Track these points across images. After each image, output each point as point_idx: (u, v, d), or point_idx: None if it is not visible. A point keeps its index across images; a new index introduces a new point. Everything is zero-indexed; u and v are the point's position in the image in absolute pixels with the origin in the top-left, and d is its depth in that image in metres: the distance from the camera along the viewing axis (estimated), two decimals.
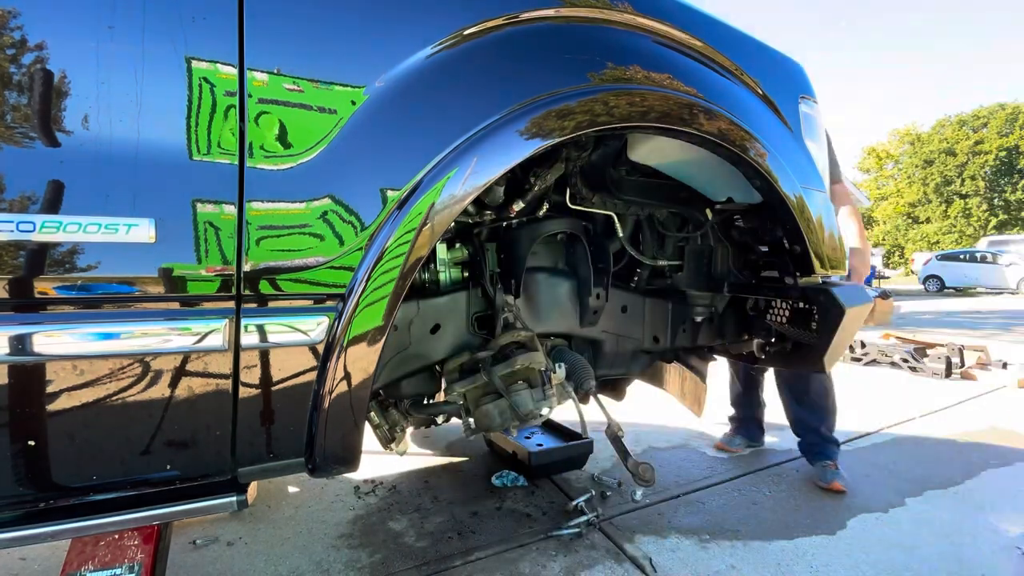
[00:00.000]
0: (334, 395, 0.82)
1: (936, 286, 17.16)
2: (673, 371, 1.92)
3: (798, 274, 1.46)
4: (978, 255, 16.82)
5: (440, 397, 1.48)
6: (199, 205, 0.72)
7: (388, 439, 1.45)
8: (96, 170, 0.68)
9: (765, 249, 1.61)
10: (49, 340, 0.67)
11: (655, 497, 1.87)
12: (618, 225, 1.57)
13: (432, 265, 1.37)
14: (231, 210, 0.74)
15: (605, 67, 1.02)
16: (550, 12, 0.99)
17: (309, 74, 0.79)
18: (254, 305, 0.77)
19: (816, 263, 1.40)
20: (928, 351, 4.35)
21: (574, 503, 1.74)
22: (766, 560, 1.51)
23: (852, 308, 1.38)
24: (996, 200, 32.71)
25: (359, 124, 0.81)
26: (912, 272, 21.57)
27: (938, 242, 33.76)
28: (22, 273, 0.66)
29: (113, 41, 0.69)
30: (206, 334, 0.74)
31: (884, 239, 37.67)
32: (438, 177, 0.84)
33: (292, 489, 2.02)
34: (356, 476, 2.09)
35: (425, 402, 1.54)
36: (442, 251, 1.37)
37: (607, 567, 1.44)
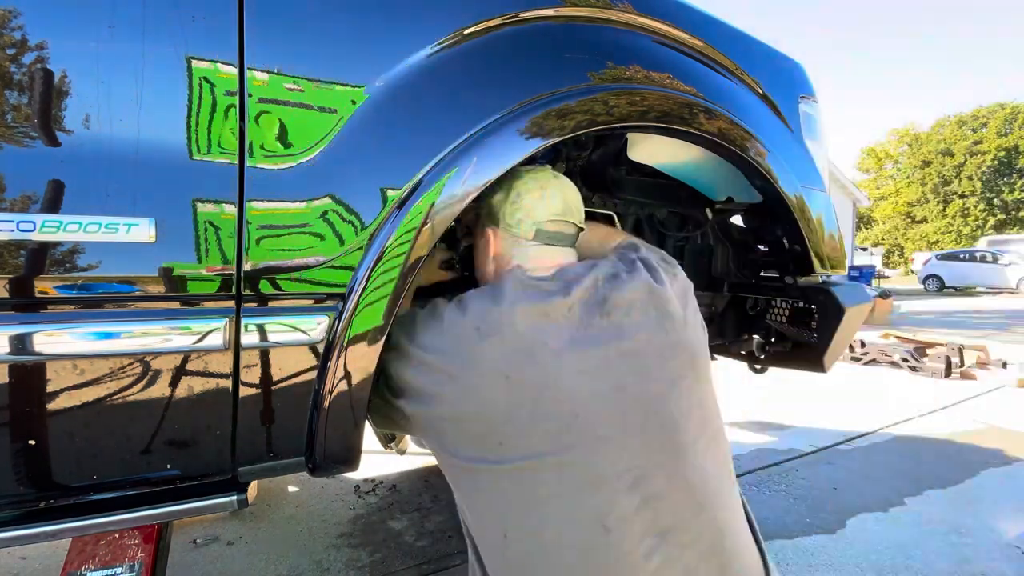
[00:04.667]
0: (334, 394, 0.82)
1: (936, 286, 17.16)
2: None
3: (798, 273, 1.46)
4: (978, 255, 16.82)
5: None
6: (199, 205, 0.72)
7: (388, 438, 1.45)
8: (96, 170, 0.68)
9: (765, 248, 1.61)
10: (49, 339, 0.67)
11: None
12: (618, 224, 1.56)
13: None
14: (231, 210, 0.74)
15: (605, 66, 1.02)
16: (550, 11, 0.99)
17: (309, 73, 0.79)
18: (254, 305, 0.77)
19: (816, 262, 1.40)
20: (928, 351, 4.36)
21: None
22: None
23: (852, 308, 1.38)
24: (995, 200, 32.72)
25: (359, 123, 0.81)
26: (912, 272, 21.57)
27: (937, 242, 33.80)
28: (22, 273, 0.66)
29: (113, 41, 0.69)
30: (206, 334, 0.74)
31: (883, 239, 37.69)
32: (438, 176, 0.84)
33: (292, 488, 2.02)
34: (356, 475, 2.10)
35: None
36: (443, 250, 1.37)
37: None
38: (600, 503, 0.73)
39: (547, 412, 0.75)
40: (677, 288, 0.89)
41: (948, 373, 4.05)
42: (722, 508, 0.78)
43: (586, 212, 1.43)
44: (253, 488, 1.90)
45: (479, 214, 1.02)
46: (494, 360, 0.77)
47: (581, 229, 0.99)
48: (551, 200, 0.94)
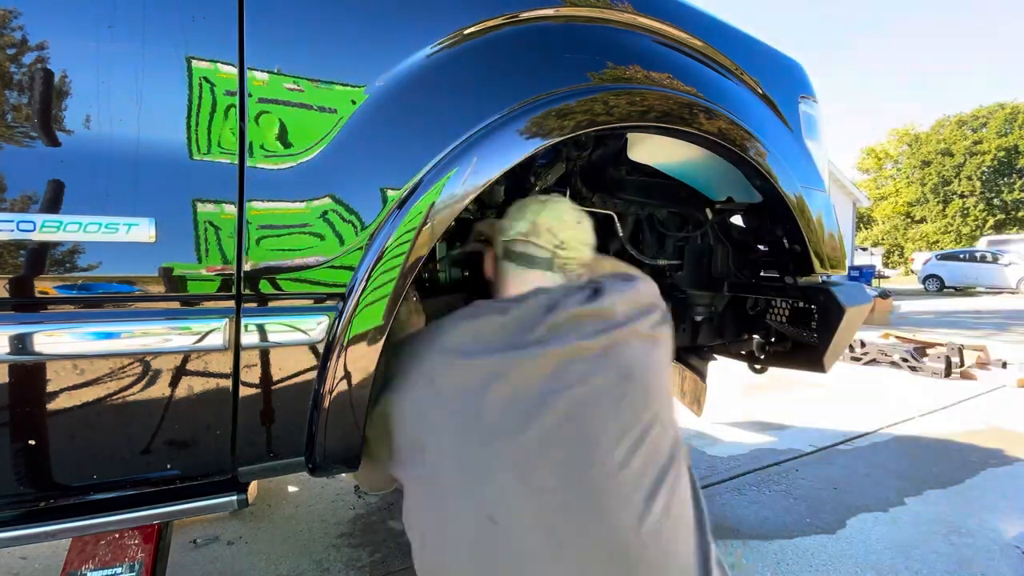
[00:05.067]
0: (334, 394, 0.82)
1: (936, 286, 17.16)
2: (673, 370, 1.92)
3: (798, 273, 1.46)
4: (978, 255, 16.81)
5: None
6: (199, 205, 0.72)
7: None
8: (96, 170, 0.68)
9: (765, 248, 1.61)
10: (49, 339, 0.67)
11: None
12: (618, 224, 1.56)
13: (432, 264, 1.37)
14: (231, 210, 0.74)
15: (605, 66, 1.02)
16: (550, 11, 0.99)
17: (309, 73, 0.79)
18: (254, 304, 0.77)
19: (816, 262, 1.40)
20: (928, 350, 4.35)
21: None
22: (766, 559, 1.51)
23: (852, 308, 1.38)
24: (995, 200, 32.71)
25: (359, 123, 0.81)
26: (912, 272, 21.57)
27: (937, 242, 33.80)
28: (22, 272, 0.66)
29: (113, 41, 0.69)
30: (206, 333, 0.74)
31: (883, 239, 37.69)
32: (438, 176, 0.84)
33: (292, 488, 2.02)
34: None
35: None
36: (442, 250, 1.37)
37: None
38: (489, 494, 0.76)
39: (455, 410, 0.80)
40: (627, 307, 0.91)
41: (948, 373, 4.05)
42: (629, 515, 0.75)
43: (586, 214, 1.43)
44: (253, 488, 1.90)
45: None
46: (429, 365, 0.85)
47: (557, 257, 0.99)
48: (518, 220, 1.00)
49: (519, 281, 0.98)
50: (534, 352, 0.81)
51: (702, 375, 1.81)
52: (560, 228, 1.00)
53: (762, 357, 1.70)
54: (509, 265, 0.99)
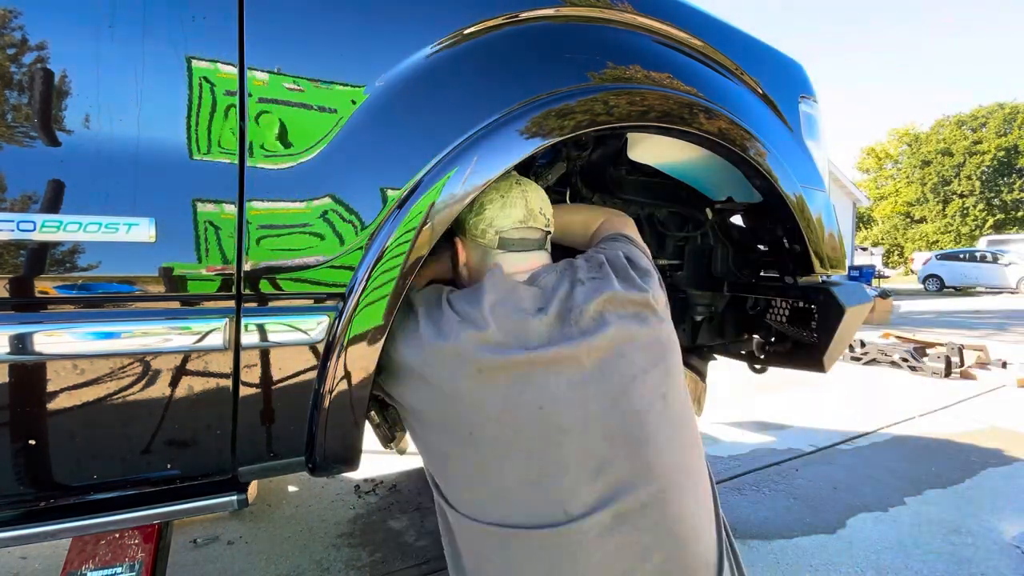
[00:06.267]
0: (334, 394, 0.82)
1: (936, 285, 17.16)
2: None
3: (798, 273, 1.46)
4: (978, 254, 16.82)
5: None
6: (199, 204, 0.72)
7: (388, 438, 1.45)
8: (96, 169, 0.68)
9: (765, 248, 1.61)
10: (49, 339, 0.67)
11: None
12: None
13: None
14: (231, 209, 0.74)
15: (605, 66, 1.02)
16: (550, 11, 0.99)
17: (309, 73, 0.79)
18: (254, 304, 0.77)
19: (816, 262, 1.40)
20: (928, 350, 4.35)
21: None
22: (766, 559, 1.51)
23: (852, 307, 1.38)
24: (994, 200, 32.71)
25: (359, 123, 0.81)
26: (912, 271, 21.57)
27: (936, 241, 33.81)
28: (22, 272, 0.66)
29: (113, 41, 0.69)
30: (206, 333, 0.74)
31: (883, 239, 37.70)
32: (438, 176, 0.84)
33: (292, 488, 2.02)
34: (356, 475, 2.10)
35: None
36: None
37: None
38: (563, 489, 0.79)
39: (515, 403, 0.80)
40: (645, 286, 0.93)
41: (948, 373, 4.05)
42: (682, 495, 0.83)
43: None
44: (253, 488, 1.90)
45: None
46: (469, 352, 0.82)
47: (548, 232, 1.03)
48: (512, 208, 0.98)
49: (515, 266, 0.97)
50: (584, 343, 0.83)
51: (702, 375, 1.81)
52: (548, 206, 1.03)
53: (762, 357, 1.70)
54: (500, 253, 0.98)
